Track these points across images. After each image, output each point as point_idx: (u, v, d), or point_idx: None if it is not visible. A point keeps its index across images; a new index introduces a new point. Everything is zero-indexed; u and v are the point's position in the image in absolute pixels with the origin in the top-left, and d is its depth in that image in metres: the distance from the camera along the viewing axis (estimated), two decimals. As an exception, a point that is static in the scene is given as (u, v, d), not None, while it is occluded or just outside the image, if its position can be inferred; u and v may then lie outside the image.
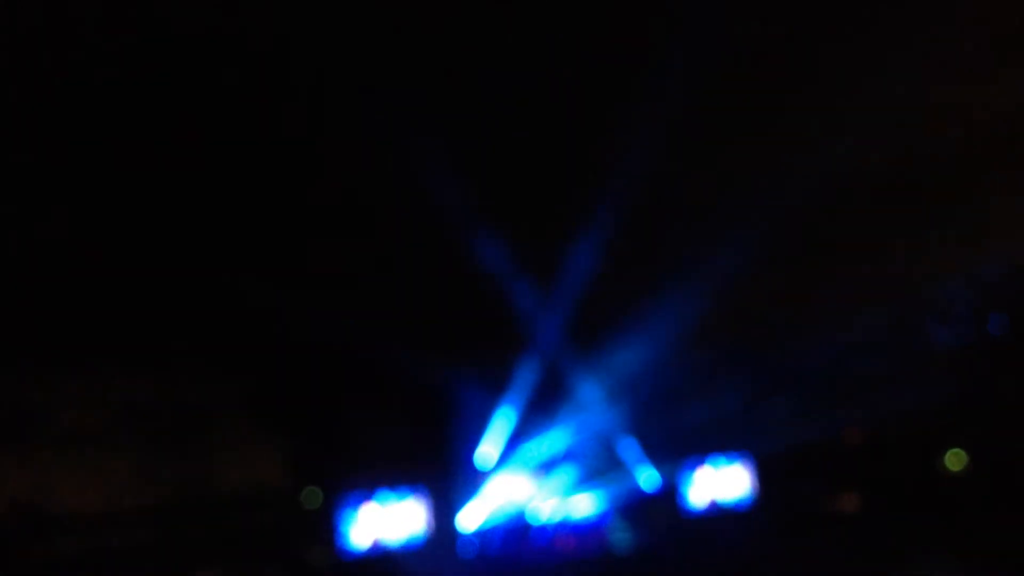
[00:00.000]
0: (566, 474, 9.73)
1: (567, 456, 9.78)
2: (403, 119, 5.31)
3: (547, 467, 9.67)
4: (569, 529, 9.60)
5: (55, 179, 5.82)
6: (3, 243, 6.45)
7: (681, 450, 9.89)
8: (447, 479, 9.24)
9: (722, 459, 10.01)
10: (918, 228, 7.72)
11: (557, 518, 9.59)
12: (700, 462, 9.94)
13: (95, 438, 8.41)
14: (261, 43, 4.75)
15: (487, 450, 9.41)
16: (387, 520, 8.68)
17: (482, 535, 9.30)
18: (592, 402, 9.71)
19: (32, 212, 6.22)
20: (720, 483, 9.94)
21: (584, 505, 9.71)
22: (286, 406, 9.01)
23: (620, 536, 9.67)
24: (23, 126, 5.14)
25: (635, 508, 9.79)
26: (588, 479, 9.82)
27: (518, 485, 9.54)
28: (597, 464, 9.88)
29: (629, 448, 9.86)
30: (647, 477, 9.82)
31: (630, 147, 5.87)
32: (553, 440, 9.70)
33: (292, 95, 5.40)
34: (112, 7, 4.24)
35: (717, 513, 9.91)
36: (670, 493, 9.85)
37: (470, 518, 9.25)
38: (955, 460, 9.85)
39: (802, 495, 10.12)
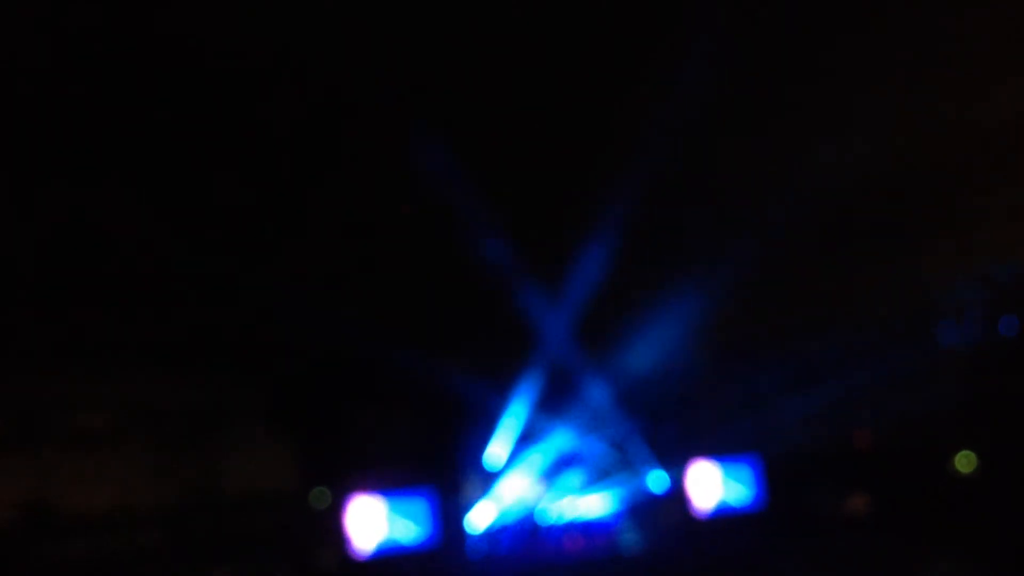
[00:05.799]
0: (575, 475, 9.73)
1: (576, 457, 9.78)
2: (408, 117, 5.31)
3: (556, 468, 9.67)
4: (578, 530, 9.60)
5: (64, 178, 5.83)
6: (13, 242, 6.46)
7: (690, 451, 9.88)
8: (456, 480, 9.25)
9: (731, 461, 10.00)
10: (928, 229, 7.70)
11: (566, 519, 9.59)
12: (709, 464, 9.93)
13: (105, 439, 8.43)
14: (259, 41, 4.73)
15: (496, 451, 9.41)
16: (395, 521, 8.68)
17: (491, 536, 9.30)
18: (601, 402, 9.70)
19: (42, 213, 6.24)
20: (729, 485, 9.92)
21: (593, 506, 9.70)
22: (295, 407, 9.03)
23: (629, 537, 9.66)
24: (23, 124, 5.14)
25: (644, 509, 9.79)
26: (597, 480, 9.81)
27: (527, 486, 9.54)
28: (606, 465, 9.88)
29: (638, 449, 9.85)
30: (656, 478, 9.81)
31: (638, 147, 5.86)
32: (562, 441, 9.70)
33: (294, 98, 5.39)
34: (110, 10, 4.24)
35: (726, 515, 9.89)
36: (679, 494, 9.84)
37: (479, 519, 9.26)
38: (965, 462, 9.82)
39: (811, 497, 10.11)
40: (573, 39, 4.96)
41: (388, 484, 8.74)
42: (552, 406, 9.55)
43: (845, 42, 5.09)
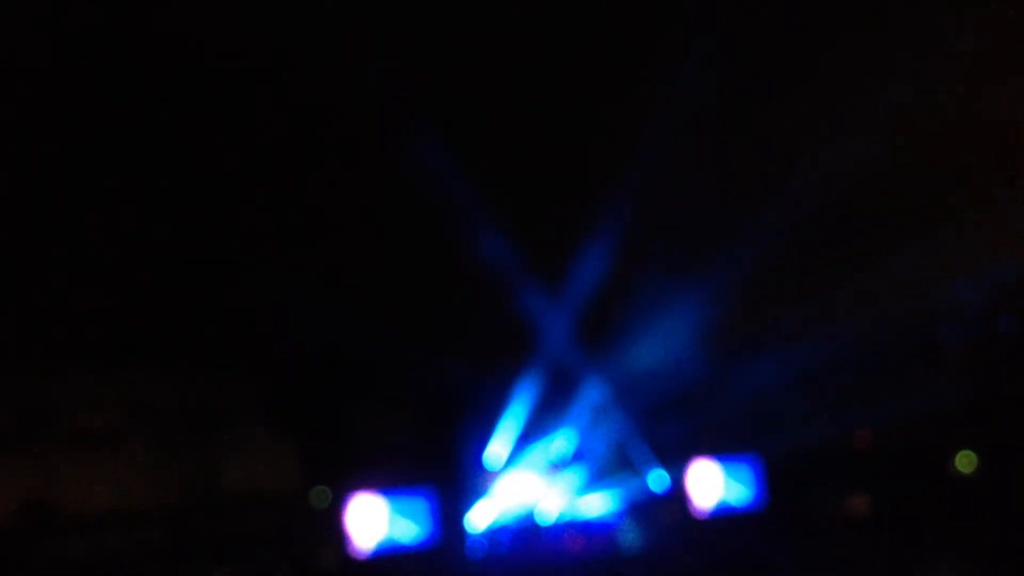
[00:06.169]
0: (575, 474, 9.73)
1: (576, 456, 9.77)
2: (409, 117, 5.31)
3: (556, 467, 9.66)
4: (578, 529, 9.59)
5: (63, 177, 5.84)
6: (13, 241, 6.46)
7: (690, 451, 9.87)
8: (456, 479, 9.24)
9: (731, 460, 9.99)
10: (928, 229, 7.70)
11: (566, 518, 9.58)
12: (709, 463, 9.92)
13: (105, 438, 8.43)
14: (259, 41, 4.74)
15: (496, 450, 9.40)
16: (396, 520, 8.68)
17: (491, 535, 9.30)
18: (601, 402, 9.70)
19: (42, 212, 6.24)
20: (729, 484, 9.92)
21: (593, 505, 9.70)
22: (296, 407, 9.02)
23: (629, 537, 9.66)
24: (23, 123, 5.15)
25: (644, 509, 9.79)
26: (597, 479, 9.81)
27: (527, 485, 9.53)
28: (606, 464, 9.87)
29: (638, 448, 9.85)
30: (656, 478, 9.81)
31: (638, 146, 5.87)
32: (562, 440, 9.70)
33: (294, 96, 5.39)
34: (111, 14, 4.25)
35: (726, 514, 9.89)
36: (679, 494, 9.84)
37: (479, 518, 9.25)
38: (966, 462, 9.82)
39: (812, 497, 10.10)
40: (573, 39, 4.96)
41: (388, 483, 8.72)
42: (552, 406, 9.54)
43: (845, 42, 5.09)
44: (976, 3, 4.88)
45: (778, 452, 9.85)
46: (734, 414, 9.84)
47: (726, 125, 5.78)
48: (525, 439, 9.52)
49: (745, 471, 10.02)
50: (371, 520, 8.59)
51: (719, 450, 9.97)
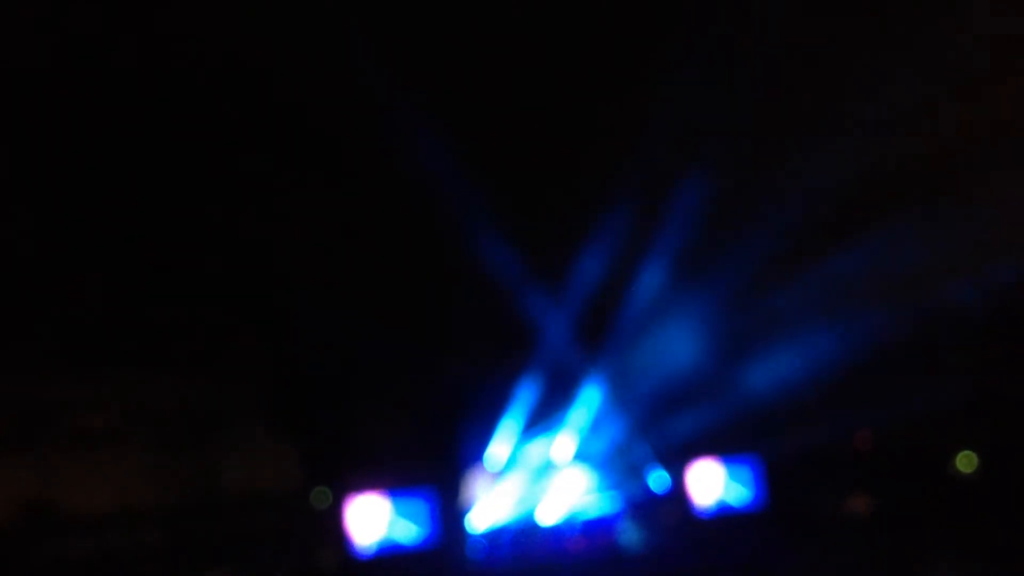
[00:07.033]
0: (575, 475, 9.72)
1: (577, 456, 9.77)
2: (409, 117, 5.31)
3: (556, 468, 9.65)
4: (579, 530, 9.59)
5: (64, 178, 5.84)
6: (17, 245, 6.47)
7: (691, 451, 9.86)
8: (456, 480, 9.23)
9: (732, 461, 9.98)
10: (928, 229, 7.71)
11: (567, 519, 9.58)
12: (710, 463, 9.92)
13: (106, 439, 8.44)
14: (259, 41, 4.74)
15: (496, 450, 9.40)
16: (396, 521, 8.67)
17: (491, 536, 9.29)
18: (602, 402, 9.70)
19: (42, 212, 6.24)
20: (730, 485, 9.92)
21: (594, 506, 9.70)
22: (296, 407, 9.02)
23: (630, 537, 9.65)
24: (28, 131, 5.16)
25: (645, 509, 9.78)
26: (598, 480, 9.81)
27: (527, 486, 9.53)
28: (607, 464, 9.87)
29: (639, 448, 9.84)
30: (657, 478, 9.81)
31: (638, 146, 5.87)
32: (562, 440, 9.69)
33: (296, 98, 5.39)
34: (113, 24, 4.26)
35: (727, 515, 9.88)
36: (680, 494, 9.83)
37: (480, 519, 9.25)
38: (966, 462, 9.82)
39: (812, 497, 10.10)
40: (573, 39, 4.96)
41: (389, 484, 8.72)
42: (552, 406, 9.54)
43: (845, 42, 5.09)
44: (976, 3, 4.88)
45: (779, 452, 9.84)
46: (735, 414, 9.83)
47: (725, 125, 5.78)
48: (525, 439, 9.52)
49: (746, 471, 10.01)
50: (371, 520, 8.59)
51: (720, 450, 9.95)
